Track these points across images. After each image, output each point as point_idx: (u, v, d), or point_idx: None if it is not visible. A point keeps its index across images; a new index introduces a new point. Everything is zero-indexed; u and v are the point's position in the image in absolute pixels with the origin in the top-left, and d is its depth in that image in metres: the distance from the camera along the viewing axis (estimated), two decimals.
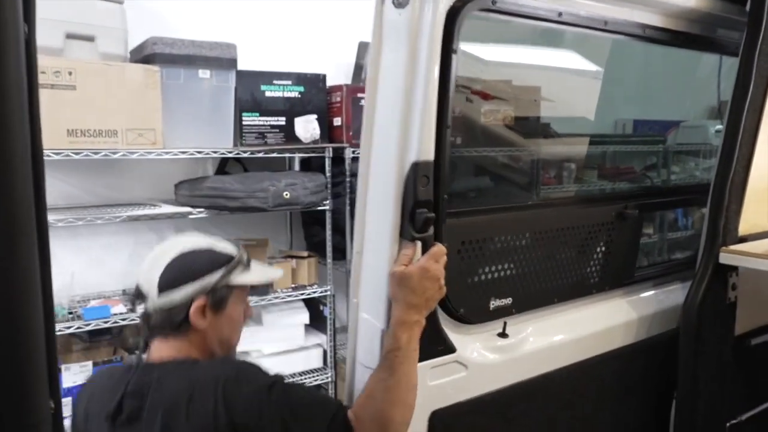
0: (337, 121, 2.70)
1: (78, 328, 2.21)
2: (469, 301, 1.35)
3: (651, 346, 1.75)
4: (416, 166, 1.12)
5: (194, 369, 1.22)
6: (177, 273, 1.26)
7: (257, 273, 1.36)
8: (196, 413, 1.15)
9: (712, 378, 1.71)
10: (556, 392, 1.52)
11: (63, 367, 2.30)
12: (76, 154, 2.14)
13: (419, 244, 1.17)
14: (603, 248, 1.63)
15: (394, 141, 1.12)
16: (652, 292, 1.82)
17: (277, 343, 2.64)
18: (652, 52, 3.09)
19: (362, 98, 2.60)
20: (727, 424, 1.79)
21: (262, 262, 1.52)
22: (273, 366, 2.63)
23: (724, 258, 1.60)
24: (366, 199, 1.18)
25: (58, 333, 2.18)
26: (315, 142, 2.60)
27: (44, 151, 2.13)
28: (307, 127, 2.59)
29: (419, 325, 1.18)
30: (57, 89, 2.10)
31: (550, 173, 2.71)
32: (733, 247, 1.60)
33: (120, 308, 2.34)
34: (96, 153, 2.18)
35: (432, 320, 1.22)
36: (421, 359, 1.19)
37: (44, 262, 0.64)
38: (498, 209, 1.49)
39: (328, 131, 2.66)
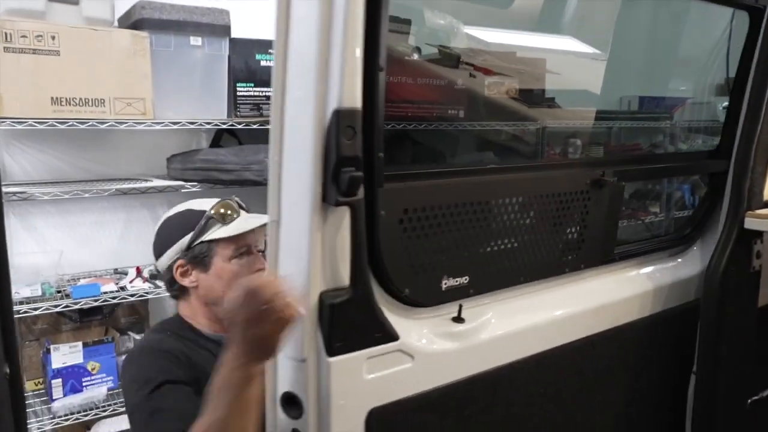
0: None
1: (66, 306, 2.11)
2: (416, 280, 1.16)
3: (638, 330, 1.57)
4: (338, 115, 0.93)
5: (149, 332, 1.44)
6: (158, 240, 1.40)
7: (235, 225, 1.35)
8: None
9: (733, 352, 1.62)
10: (524, 383, 1.34)
11: (52, 347, 2.22)
12: (62, 123, 2.03)
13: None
14: (577, 221, 1.45)
15: (312, 84, 0.93)
16: (636, 272, 1.63)
17: None
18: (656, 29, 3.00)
19: None
20: (749, 401, 1.70)
21: (254, 213, 1.44)
22: None
23: (750, 223, 1.51)
24: (281, 155, 0.99)
25: (45, 312, 2.10)
26: None
27: (27, 120, 2.01)
28: None
29: (239, 374, 0.90)
30: (39, 54, 1.99)
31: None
32: (759, 212, 1.51)
33: (111, 287, 2.25)
34: (82, 123, 2.07)
35: (367, 301, 1.04)
36: (354, 349, 1.02)
37: None
38: (449, 172, 1.28)
39: None
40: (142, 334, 2.49)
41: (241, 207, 1.40)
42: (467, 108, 2.44)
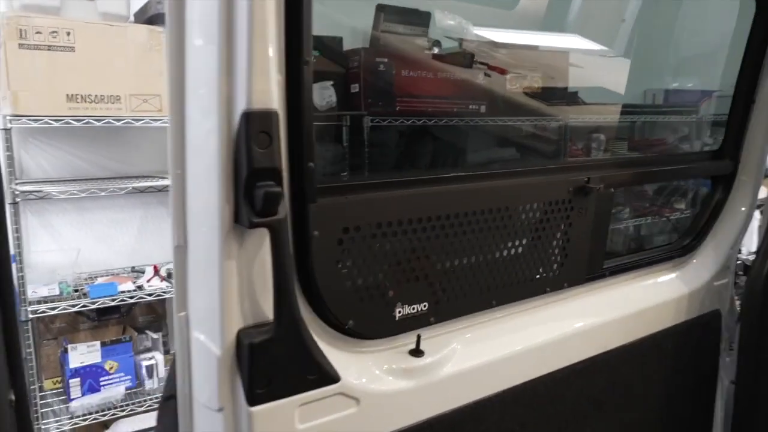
0: (354, 88, 2.53)
1: (83, 306, 2.09)
2: (363, 309, 0.98)
3: (634, 353, 1.37)
4: (248, 119, 0.75)
5: None
6: None
7: None
8: None
9: None
10: (497, 423, 1.15)
11: (69, 346, 2.21)
12: (77, 121, 2.00)
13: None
14: (558, 234, 1.26)
15: (214, 80, 0.75)
16: (630, 288, 1.43)
17: None
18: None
19: (381, 63, 2.43)
20: None
21: None
22: None
23: None
24: (184, 168, 0.83)
25: (63, 312, 2.08)
26: (331, 109, 2.44)
27: (43, 117, 1.98)
28: (323, 94, 2.43)
29: None
30: (54, 51, 1.96)
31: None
32: None
33: (128, 285, 2.23)
34: (98, 120, 2.04)
35: (296, 338, 0.86)
36: (282, 395, 0.86)
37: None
38: (399, 183, 1.07)
39: (345, 98, 2.50)
40: (160, 333, 2.47)
41: None
42: (488, 104, 2.38)
